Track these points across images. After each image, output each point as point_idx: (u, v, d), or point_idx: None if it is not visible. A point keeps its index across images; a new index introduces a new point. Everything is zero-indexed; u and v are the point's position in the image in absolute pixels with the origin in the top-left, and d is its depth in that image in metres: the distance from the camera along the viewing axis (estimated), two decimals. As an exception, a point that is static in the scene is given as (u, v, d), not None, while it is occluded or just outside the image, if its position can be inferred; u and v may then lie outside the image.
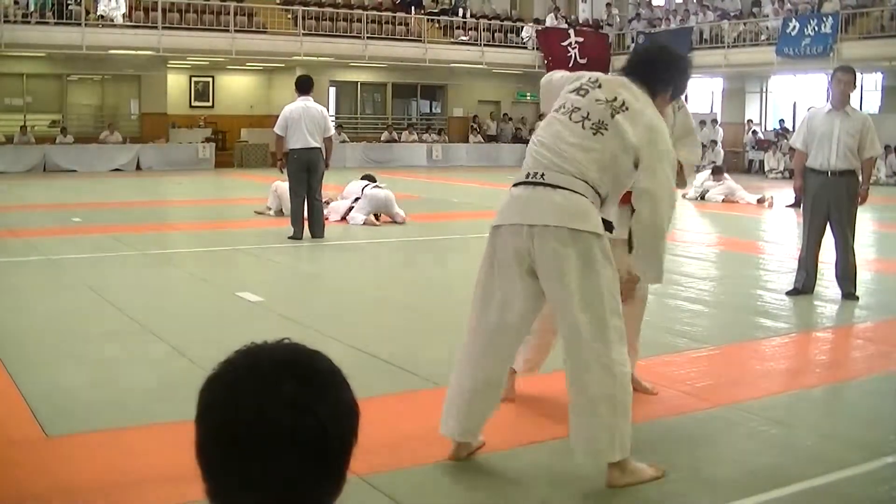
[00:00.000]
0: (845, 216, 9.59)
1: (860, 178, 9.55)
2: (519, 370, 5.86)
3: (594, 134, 4.53)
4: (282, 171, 13.97)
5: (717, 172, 22.23)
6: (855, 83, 9.62)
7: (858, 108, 9.78)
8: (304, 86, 13.87)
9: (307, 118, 13.50)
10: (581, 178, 4.46)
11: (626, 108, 4.57)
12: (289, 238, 13.63)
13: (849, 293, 9.55)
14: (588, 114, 4.57)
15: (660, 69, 4.86)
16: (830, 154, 9.38)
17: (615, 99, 4.58)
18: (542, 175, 4.51)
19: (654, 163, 4.55)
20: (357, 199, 15.70)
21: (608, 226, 4.56)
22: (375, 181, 16.31)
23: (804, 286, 9.71)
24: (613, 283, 4.49)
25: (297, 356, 1.58)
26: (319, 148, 13.64)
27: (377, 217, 15.61)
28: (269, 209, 16.43)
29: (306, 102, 13.65)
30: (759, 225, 17.94)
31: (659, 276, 4.85)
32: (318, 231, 13.85)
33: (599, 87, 4.68)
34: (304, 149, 13.49)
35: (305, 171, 13.58)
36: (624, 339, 4.52)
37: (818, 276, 9.83)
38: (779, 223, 18.80)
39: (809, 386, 6.54)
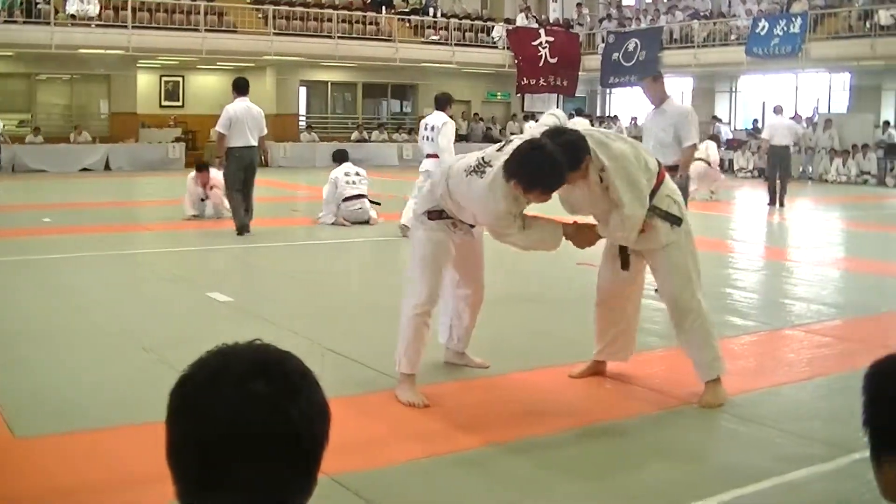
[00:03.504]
0: None
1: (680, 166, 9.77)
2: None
3: (462, 170, 5.93)
4: (219, 168, 14.50)
5: None
6: (655, 83, 9.90)
7: (679, 103, 10.23)
8: (243, 87, 14.50)
9: (249, 118, 14.06)
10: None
11: (480, 172, 5.79)
12: (238, 234, 13.95)
13: None
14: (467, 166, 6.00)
15: (511, 157, 5.60)
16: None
17: (483, 163, 5.87)
18: None
19: (475, 207, 5.86)
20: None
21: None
22: (347, 158, 16.31)
23: None
24: (419, 241, 6.16)
25: (268, 357, 1.58)
26: (256, 147, 14.22)
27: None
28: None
29: (246, 103, 14.22)
30: (727, 224, 18.02)
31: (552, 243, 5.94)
32: (247, 226, 14.22)
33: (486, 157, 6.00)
34: (245, 147, 14.02)
35: (245, 168, 14.07)
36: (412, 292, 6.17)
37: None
38: (748, 222, 18.90)
39: (778, 383, 6.59)
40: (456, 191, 5.88)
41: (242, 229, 14.00)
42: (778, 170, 20.67)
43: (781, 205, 20.34)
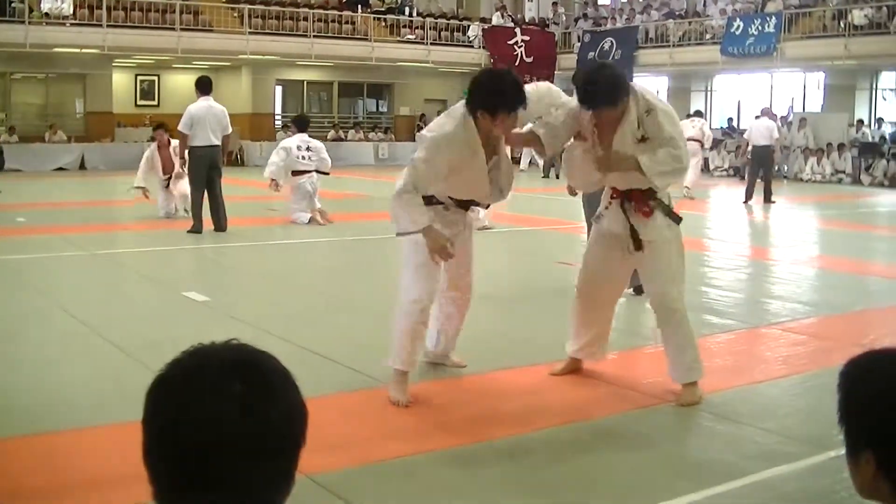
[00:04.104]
0: None
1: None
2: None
3: None
4: (182, 168, 14.77)
5: None
6: None
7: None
8: (206, 86, 14.54)
9: (211, 117, 14.12)
10: None
11: None
12: (188, 231, 14.01)
13: (638, 287, 9.45)
14: None
15: (471, 89, 5.77)
16: None
17: None
18: None
19: None
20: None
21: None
22: (307, 127, 16.46)
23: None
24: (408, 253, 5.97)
25: (245, 357, 1.58)
26: (219, 146, 14.30)
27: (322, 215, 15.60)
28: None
29: (209, 102, 14.28)
30: (703, 223, 18.07)
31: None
32: (221, 225, 14.27)
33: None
34: (207, 146, 14.09)
35: (208, 167, 14.12)
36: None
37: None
38: (724, 221, 18.96)
39: (754, 381, 6.61)
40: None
41: (196, 230, 14.05)
42: (760, 169, 21.10)
43: (769, 201, 21.00)
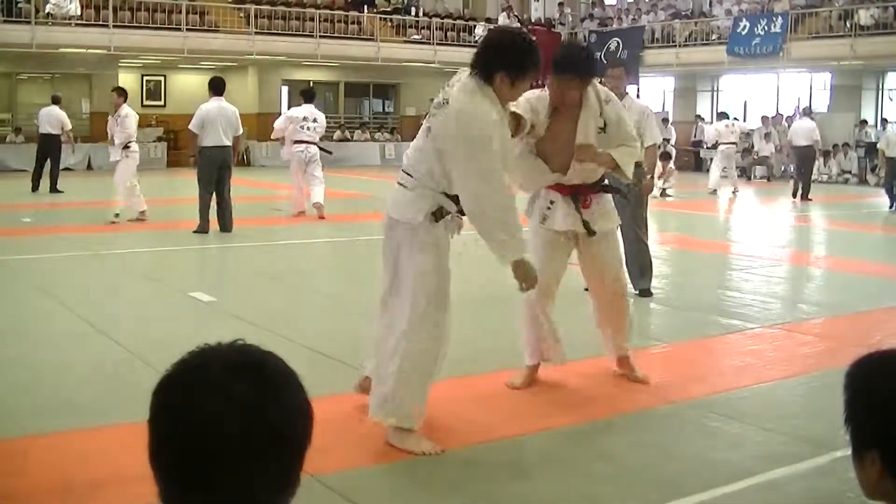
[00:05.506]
0: (628, 212, 8.74)
1: (644, 168, 8.92)
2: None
3: (426, 136, 5.04)
4: (195, 167, 14.70)
5: (664, 158, 22.49)
6: (624, 76, 9.29)
7: (638, 100, 10.11)
8: (219, 87, 14.66)
9: (222, 118, 14.22)
10: (409, 172, 5.07)
11: (446, 103, 4.95)
12: (194, 232, 14.04)
13: (643, 290, 9.48)
14: (429, 121, 5.09)
15: (486, 53, 5.08)
16: None
17: (443, 100, 5.00)
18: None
19: (450, 145, 4.87)
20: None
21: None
22: (313, 99, 16.92)
23: None
24: (427, 267, 5.01)
25: (251, 357, 1.58)
26: (230, 146, 14.38)
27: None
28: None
29: (220, 103, 14.40)
30: (713, 223, 18.07)
31: (509, 253, 4.99)
32: (227, 225, 14.36)
33: (443, 90, 5.10)
34: (217, 147, 14.19)
35: (218, 168, 14.21)
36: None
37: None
38: (730, 221, 18.95)
39: (760, 382, 6.60)
40: (419, 157, 5.10)
41: (202, 230, 14.08)
42: (801, 168, 22.43)
43: (806, 199, 21.91)
